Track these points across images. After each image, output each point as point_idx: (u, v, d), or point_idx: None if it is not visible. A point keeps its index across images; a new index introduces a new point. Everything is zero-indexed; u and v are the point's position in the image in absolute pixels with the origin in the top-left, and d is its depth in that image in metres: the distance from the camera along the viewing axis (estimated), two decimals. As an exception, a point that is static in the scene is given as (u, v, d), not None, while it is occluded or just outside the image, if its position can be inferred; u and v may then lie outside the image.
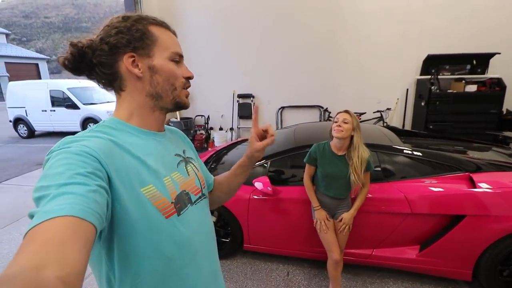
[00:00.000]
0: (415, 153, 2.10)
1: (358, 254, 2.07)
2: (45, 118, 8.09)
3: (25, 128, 8.44)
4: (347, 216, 1.78)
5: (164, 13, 5.61)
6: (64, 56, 0.60)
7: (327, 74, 5.37)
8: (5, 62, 23.70)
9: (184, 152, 0.75)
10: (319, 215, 1.81)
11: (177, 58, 0.66)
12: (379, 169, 2.03)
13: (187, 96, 0.69)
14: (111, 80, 0.62)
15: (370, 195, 1.90)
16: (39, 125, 8.30)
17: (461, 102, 4.39)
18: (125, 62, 0.60)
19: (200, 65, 5.70)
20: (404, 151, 2.11)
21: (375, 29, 4.97)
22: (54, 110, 7.93)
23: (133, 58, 0.61)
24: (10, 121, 8.52)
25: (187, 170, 0.71)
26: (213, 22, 5.66)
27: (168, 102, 0.66)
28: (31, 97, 8.10)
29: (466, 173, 1.92)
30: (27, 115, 8.24)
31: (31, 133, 8.46)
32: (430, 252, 1.91)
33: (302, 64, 5.44)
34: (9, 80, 16.53)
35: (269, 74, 5.66)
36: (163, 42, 0.63)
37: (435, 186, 1.91)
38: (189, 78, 0.68)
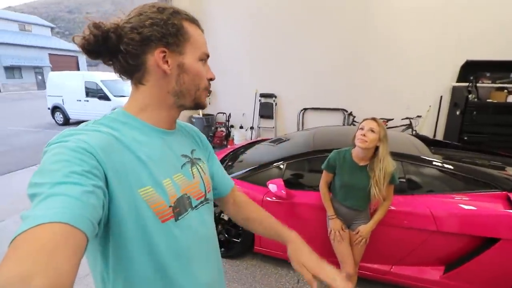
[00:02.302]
0: (445, 165, 1.93)
1: (374, 269, 1.95)
2: (79, 107, 8.62)
3: (61, 115, 9.07)
4: (364, 228, 1.67)
5: (193, 9, 5.69)
6: (83, 36, 0.54)
7: (354, 76, 5.15)
8: (49, 54, 25.69)
9: (192, 152, 0.71)
10: (334, 225, 1.73)
11: (205, 58, 0.65)
12: (403, 180, 1.89)
13: (206, 96, 0.68)
14: (132, 70, 0.59)
15: (392, 207, 1.78)
16: (74, 114, 8.85)
17: (502, 113, 3.99)
18: (156, 57, 0.57)
19: (224, 63, 5.73)
20: (434, 162, 1.95)
21: (408, 29, 4.65)
22: (88, 100, 8.43)
23: (164, 54, 0.58)
24: (49, 109, 9.18)
25: (192, 172, 0.67)
26: (239, 20, 5.66)
27: (189, 101, 0.64)
28: (68, 86, 8.67)
29: (504, 192, 1.73)
30: (63, 104, 8.84)
31: (66, 121, 9.06)
32: (456, 275, 1.75)
33: (328, 65, 5.26)
34: (51, 71, 17.85)
35: (292, 75, 5.56)
36: (195, 40, 0.61)
37: (466, 204, 1.74)
38: (211, 79, 0.67)
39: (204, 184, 0.70)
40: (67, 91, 8.66)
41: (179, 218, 0.60)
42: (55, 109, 9.08)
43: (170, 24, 0.58)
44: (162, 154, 0.60)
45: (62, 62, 26.36)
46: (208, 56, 0.65)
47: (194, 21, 0.63)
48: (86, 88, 8.43)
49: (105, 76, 8.67)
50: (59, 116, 9.14)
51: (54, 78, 9.00)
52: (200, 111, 6.01)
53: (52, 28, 30.77)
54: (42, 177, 0.41)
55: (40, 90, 23.03)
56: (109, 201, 0.49)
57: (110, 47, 0.56)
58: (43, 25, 28.97)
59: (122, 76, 0.62)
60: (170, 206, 0.57)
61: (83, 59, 29.16)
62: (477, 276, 1.71)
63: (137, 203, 0.53)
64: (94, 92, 8.33)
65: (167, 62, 0.59)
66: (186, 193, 0.63)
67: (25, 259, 0.32)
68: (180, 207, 0.60)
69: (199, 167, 0.71)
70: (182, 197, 0.61)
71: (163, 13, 0.58)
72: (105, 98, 8.12)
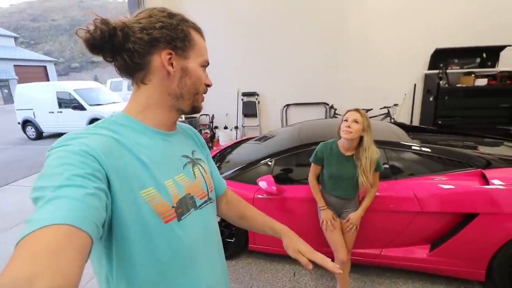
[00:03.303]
0: (424, 149, 2.03)
1: (366, 254, 2.02)
2: (52, 120, 8.19)
3: (33, 129, 8.56)
4: (354, 216, 1.73)
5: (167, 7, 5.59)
6: (89, 30, 0.54)
7: (333, 70, 5.29)
8: (14, 65, 24.21)
9: (193, 153, 0.73)
10: (325, 215, 1.77)
11: (206, 65, 0.68)
12: (387, 166, 1.97)
13: (202, 101, 0.71)
14: (135, 69, 0.60)
15: (378, 193, 1.84)
16: (47, 127, 8.41)
17: (471, 97, 4.26)
18: (163, 58, 0.59)
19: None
20: (413, 147, 2.05)
21: (381, 25, 4.86)
22: (61, 112, 8.03)
23: (170, 56, 0.60)
24: (19, 123, 8.65)
25: (193, 172, 0.68)
26: (217, 20, 5.62)
27: (187, 105, 0.66)
28: (38, 99, 8.21)
29: (478, 170, 1.85)
30: (35, 117, 8.36)
31: (39, 135, 8.58)
32: (441, 252, 1.85)
33: (307, 61, 5.36)
34: (18, 83, 16.84)
35: (273, 72, 5.61)
36: (199, 47, 0.65)
37: (445, 183, 1.85)
38: (208, 86, 0.70)
39: (206, 183, 0.72)
40: (38, 103, 8.20)
41: (182, 218, 0.60)
42: (26, 123, 8.56)
43: (179, 29, 0.61)
44: (163, 156, 0.61)
45: (29, 73, 24.89)
46: (208, 63, 0.69)
47: (199, 31, 0.67)
48: (58, 98, 8.01)
49: (78, 85, 8.30)
50: (31, 131, 8.63)
51: (22, 90, 8.48)
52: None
53: (15, 38, 28.99)
54: (45, 181, 0.42)
55: (7, 105, 21.66)
56: (111, 203, 0.49)
57: (115, 44, 0.56)
58: (5, 35, 27.18)
59: (123, 75, 0.62)
60: (173, 207, 0.58)
61: (52, 68, 27.74)
62: (460, 251, 1.82)
63: (139, 205, 0.53)
64: (67, 103, 7.94)
65: (171, 64, 0.61)
66: (189, 193, 0.64)
67: (30, 260, 0.32)
68: (182, 207, 0.61)
69: (200, 167, 0.72)
70: (185, 197, 0.62)
71: (173, 19, 0.61)
72: (80, 108, 7.76)
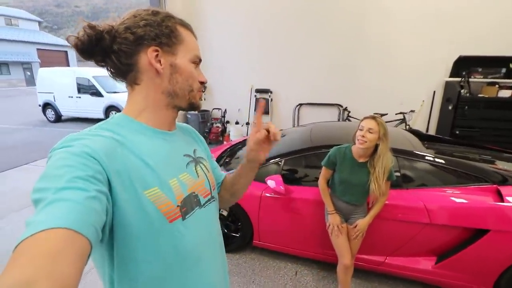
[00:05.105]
0: (438, 160, 1.99)
1: (370, 260, 2.01)
2: (71, 104, 8.48)
3: (52, 112, 8.89)
4: (362, 223, 1.72)
5: (187, 7, 5.64)
6: (77, 37, 0.56)
7: (348, 71, 5.19)
8: (37, 49, 25.03)
9: (194, 152, 0.73)
10: (333, 219, 1.77)
11: (197, 61, 0.66)
12: (398, 174, 1.94)
13: (200, 98, 0.69)
14: (126, 70, 0.60)
15: (387, 202, 1.83)
16: (66, 111, 8.72)
17: (493, 108, 4.11)
18: (149, 55, 0.59)
19: (219, 58, 5.72)
20: (427, 157, 2.01)
21: (402, 26, 4.71)
22: (80, 97, 8.30)
23: (156, 53, 0.59)
24: (39, 106, 9.00)
25: (196, 171, 0.69)
26: (234, 17, 5.62)
27: (184, 101, 0.65)
28: (59, 83, 8.51)
29: (494, 186, 1.80)
30: (55, 100, 8.67)
31: (58, 118, 8.91)
32: (448, 265, 1.82)
33: (322, 61, 5.29)
34: (40, 66, 17.41)
35: (288, 70, 5.57)
36: (188, 43, 0.64)
37: (458, 197, 1.81)
38: (203, 83, 0.68)
39: (209, 182, 0.72)
40: (58, 87, 8.51)
41: (186, 217, 0.61)
42: (46, 106, 8.90)
43: (163, 25, 0.60)
44: (166, 155, 0.61)
45: (51, 57, 25.74)
46: (200, 60, 0.67)
47: (187, 27, 0.66)
48: (77, 84, 8.28)
49: (97, 72, 8.52)
50: (50, 113, 8.96)
51: (44, 74, 8.80)
52: (196, 107, 5.98)
53: (39, 23, 29.93)
54: (46, 182, 0.42)
55: (29, 87, 22.49)
56: (113, 205, 0.49)
57: (104, 47, 0.57)
58: (31, 19, 28.13)
59: (116, 78, 0.63)
60: (177, 206, 0.58)
61: (72, 54, 28.49)
62: (467, 266, 1.78)
63: (144, 205, 0.53)
64: (86, 89, 8.20)
65: (159, 61, 0.60)
66: (194, 191, 0.64)
67: (28, 264, 0.32)
68: (187, 206, 0.61)
69: (202, 166, 0.72)
70: (189, 196, 0.63)
71: (157, 16, 0.60)
72: (98, 94, 8.00)
